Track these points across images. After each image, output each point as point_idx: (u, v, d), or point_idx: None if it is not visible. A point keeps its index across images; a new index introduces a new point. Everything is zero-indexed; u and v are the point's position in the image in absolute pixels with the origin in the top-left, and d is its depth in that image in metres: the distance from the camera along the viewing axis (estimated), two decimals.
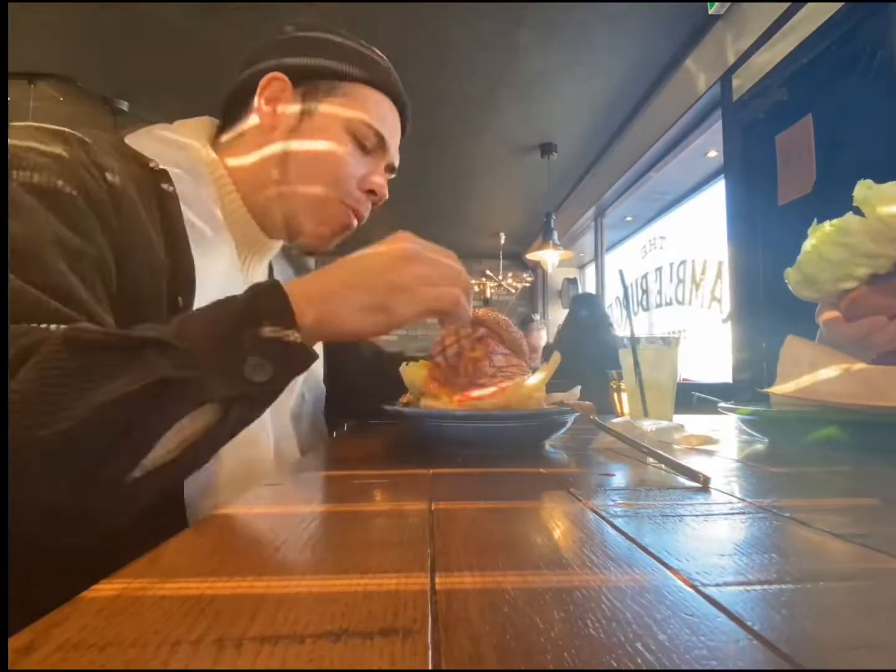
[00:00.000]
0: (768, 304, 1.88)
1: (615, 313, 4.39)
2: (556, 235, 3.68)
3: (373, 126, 0.63)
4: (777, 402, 0.67)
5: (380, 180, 0.65)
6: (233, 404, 0.37)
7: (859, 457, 0.53)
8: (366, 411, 0.90)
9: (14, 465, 0.30)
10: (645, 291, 4.03)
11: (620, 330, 3.18)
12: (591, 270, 5.11)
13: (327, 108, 0.62)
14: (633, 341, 0.75)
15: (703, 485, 0.38)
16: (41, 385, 0.31)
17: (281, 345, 0.38)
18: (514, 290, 5.79)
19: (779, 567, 0.23)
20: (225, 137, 0.64)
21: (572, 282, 5.70)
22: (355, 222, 0.66)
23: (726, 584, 0.21)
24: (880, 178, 0.61)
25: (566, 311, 2.91)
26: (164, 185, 0.53)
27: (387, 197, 0.67)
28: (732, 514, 0.32)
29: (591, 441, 0.67)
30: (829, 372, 0.59)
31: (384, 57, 0.68)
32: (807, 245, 0.66)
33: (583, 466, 0.52)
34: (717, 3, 2.11)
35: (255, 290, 0.40)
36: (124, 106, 2.93)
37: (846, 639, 0.17)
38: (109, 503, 0.34)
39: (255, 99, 0.61)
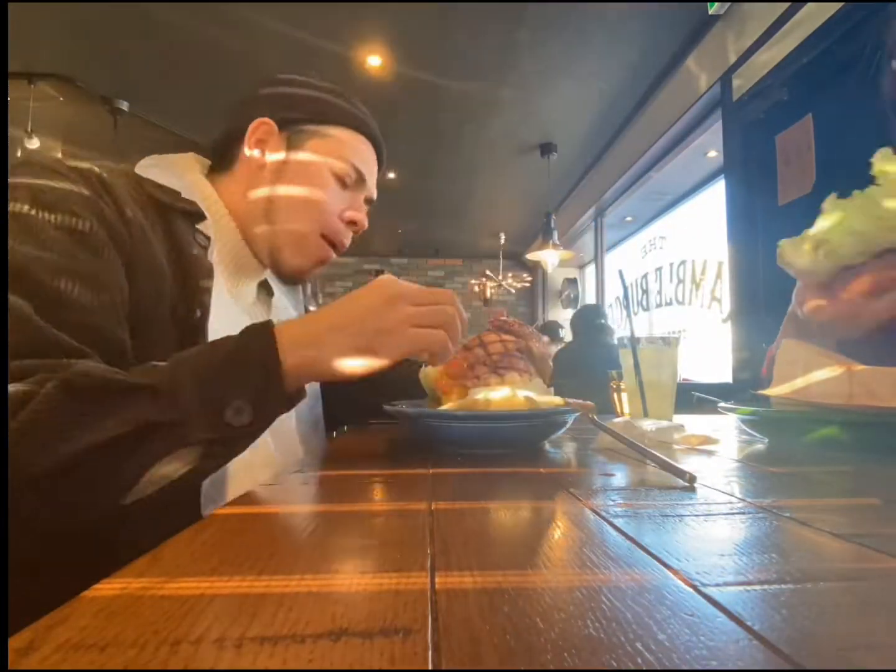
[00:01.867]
0: (768, 304, 1.88)
1: (615, 313, 4.40)
2: (556, 235, 3.68)
3: (353, 164, 0.69)
4: (777, 403, 0.67)
5: (359, 213, 0.71)
6: (213, 446, 0.40)
7: (859, 457, 0.53)
8: (365, 411, 0.90)
9: (12, 497, 0.33)
10: (645, 291, 4.03)
11: (620, 330, 3.18)
12: (591, 270, 5.11)
13: (311, 150, 0.68)
14: (633, 341, 0.75)
15: (690, 483, 0.39)
16: (36, 426, 0.35)
17: (262, 390, 0.41)
18: (513, 290, 5.79)
19: (779, 567, 0.23)
20: (218, 176, 0.69)
21: (572, 282, 5.70)
22: (333, 255, 0.72)
23: (726, 584, 0.21)
24: None
25: (569, 314, 2.92)
26: (177, 219, 0.57)
27: (366, 226, 0.73)
28: (732, 514, 0.32)
29: (591, 441, 0.67)
30: (824, 374, 0.59)
31: (360, 104, 0.74)
32: (831, 217, 0.64)
33: (583, 466, 0.52)
34: (717, 3, 2.11)
35: (245, 334, 0.43)
36: (124, 106, 2.93)
37: (846, 639, 0.17)
38: (101, 523, 0.39)
39: (245, 141, 0.67)
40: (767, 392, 0.67)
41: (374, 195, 0.75)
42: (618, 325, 4.10)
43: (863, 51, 1.52)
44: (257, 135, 0.67)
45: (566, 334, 4.06)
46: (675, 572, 0.22)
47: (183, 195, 0.59)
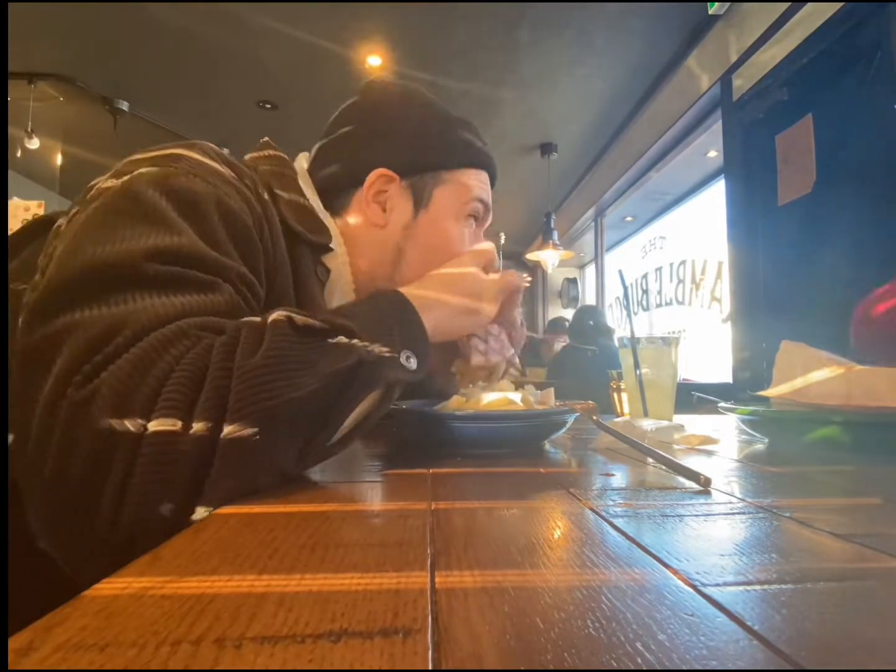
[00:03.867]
0: (768, 304, 1.89)
1: (615, 313, 4.40)
2: (556, 235, 3.68)
3: (483, 200, 0.67)
4: (777, 403, 0.67)
5: (487, 246, 0.67)
6: (394, 388, 0.43)
7: (859, 457, 0.53)
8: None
9: (249, 434, 0.34)
10: (645, 291, 4.03)
11: (620, 330, 3.18)
12: (591, 270, 5.11)
13: (438, 200, 0.64)
14: (633, 341, 0.75)
15: (704, 486, 0.38)
16: (278, 362, 0.36)
17: (421, 341, 0.47)
18: None
19: (779, 567, 0.23)
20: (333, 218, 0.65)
21: (572, 282, 5.70)
22: None
23: (726, 584, 0.21)
24: (880, 178, 0.61)
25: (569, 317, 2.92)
26: (302, 244, 0.57)
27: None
28: (732, 514, 0.32)
29: (591, 441, 0.67)
30: (822, 374, 0.60)
31: (471, 123, 0.71)
32: None
33: (583, 466, 0.52)
34: (717, 4, 2.11)
35: (388, 300, 0.49)
36: (124, 106, 2.93)
37: (846, 639, 0.17)
38: (314, 463, 0.41)
39: (362, 192, 0.62)
40: (766, 393, 0.67)
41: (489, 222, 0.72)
42: (618, 325, 4.10)
43: (863, 51, 1.52)
44: (376, 186, 0.62)
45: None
46: (675, 572, 0.22)
47: (321, 220, 0.59)
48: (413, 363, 0.44)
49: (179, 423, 0.33)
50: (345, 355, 0.39)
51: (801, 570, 0.23)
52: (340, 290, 0.63)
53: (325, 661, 0.15)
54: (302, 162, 0.65)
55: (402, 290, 0.50)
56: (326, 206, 0.63)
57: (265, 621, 0.17)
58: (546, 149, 3.45)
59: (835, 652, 0.16)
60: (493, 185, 0.72)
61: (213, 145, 0.52)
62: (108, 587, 0.20)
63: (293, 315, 0.39)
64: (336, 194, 0.64)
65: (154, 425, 0.32)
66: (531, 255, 3.94)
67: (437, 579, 0.21)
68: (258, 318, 0.40)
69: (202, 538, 0.27)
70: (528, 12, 2.23)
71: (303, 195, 0.59)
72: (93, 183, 0.46)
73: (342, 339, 0.40)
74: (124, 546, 0.32)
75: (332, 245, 0.60)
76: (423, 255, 0.63)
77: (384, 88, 0.70)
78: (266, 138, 0.65)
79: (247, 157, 0.61)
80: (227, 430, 0.33)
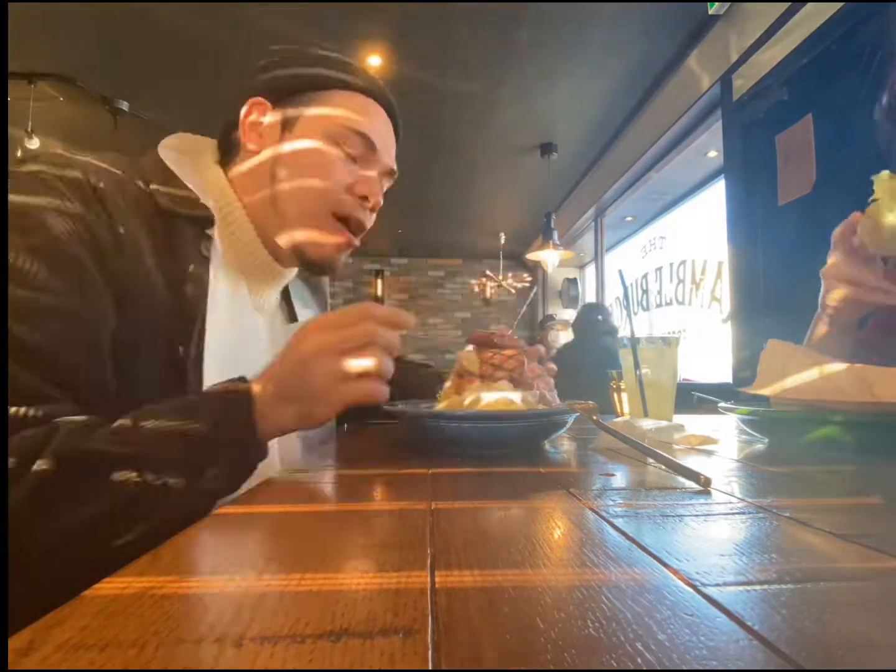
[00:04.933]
0: (768, 304, 1.88)
1: (615, 313, 4.40)
2: (556, 235, 3.68)
3: (354, 128, 0.62)
4: (777, 402, 0.67)
5: (370, 186, 0.63)
6: (195, 506, 0.41)
7: (859, 457, 0.53)
8: (365, 411, 0.89)
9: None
10: (645, 291, 4.03)
11: (621, 330, 3.18)
12: (591, 270, 5.11)
13: (306, 119, 0.61)
14: (633, 341, 0.75)
15: (704, 486, 0.38)
16: (32, 504, 0.37)
17: (238, 461, 0.45)
18: (513, 290, 5.79)
19: (779, 567, 0.23)
20: (227, 169, 0.64)
21: (572, 282, 5.70)
22: (353, 238, 0.65)
23: (726, 584, 0.21)
24: None
25: (571, 316, 2.92)
26: (184, 225, 0.55)
27: (380, 203, 0.65)
28: (732, 514, 0.32)
29: (590, 441, 0.67)
30: (812, 373, 0.60)
31: (366, 69, 0.68)
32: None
33: (583, 466, 0.52)
34: (716, 4, 2.11)
35: (224, 406, 0.45)
36: (124, 106, 2.93)
37: (846, 639, 0.17)
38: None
39: (240, 124, 0.62)
40: (749, 390, 0.68)
41: (394, 165, 0.67)
42: (618, 325, 4.10)
43: (863, 51, 1.52)
44: (251, 117, 0.62)
45: (559, 327, 4.06)
46: (675, 572, 0.22)
47: (197, 193, 0.56)
48: (222, 478, 0.44)
49: None
50: (112, 494, 0.40)
51: (801, 570, 0.23)
52: (244, 254, 0.62)
53: (325, 661, 0.15)
54: (202, 142, 0.65)
55: (255, 390, 0.46)
56: (224, 159, 0.63)
57: (265, 621, 0.17)
58: (546, 149, 3.45)
59: (835, 652, 0.16)
60: (397, 132, 0.69)
61: (34, 161, 0.50)
62: (108, 587, 0.20)
63: (62, 448, 0.39)
64: (227, 143, 0.64)
65: None
66: (531, 255, 3.94)
67: (437, 579, 0.21)
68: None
69: (202, 538, 0.27)
70: (528, 12, 2.23)
71: (168, 181, 0.56)
72: None
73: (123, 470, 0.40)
74: None
75: (212, 216, 0.56)
76: (290, 175, 0.61)
77: None
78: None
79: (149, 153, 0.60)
80: None
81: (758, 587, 0.21)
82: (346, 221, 0.63)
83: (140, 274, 0.51)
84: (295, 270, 0.71)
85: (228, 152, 0.64)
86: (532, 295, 5.78)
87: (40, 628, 0.17)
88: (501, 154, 3.54)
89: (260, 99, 0.62)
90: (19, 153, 3.02)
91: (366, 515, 0.33)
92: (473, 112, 3.05)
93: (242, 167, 0.63)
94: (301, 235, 0.62)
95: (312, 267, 0.66)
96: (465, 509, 0.33)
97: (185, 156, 0.59)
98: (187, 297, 0.54)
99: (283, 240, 0.63)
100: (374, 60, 2.55)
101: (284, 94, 0.62)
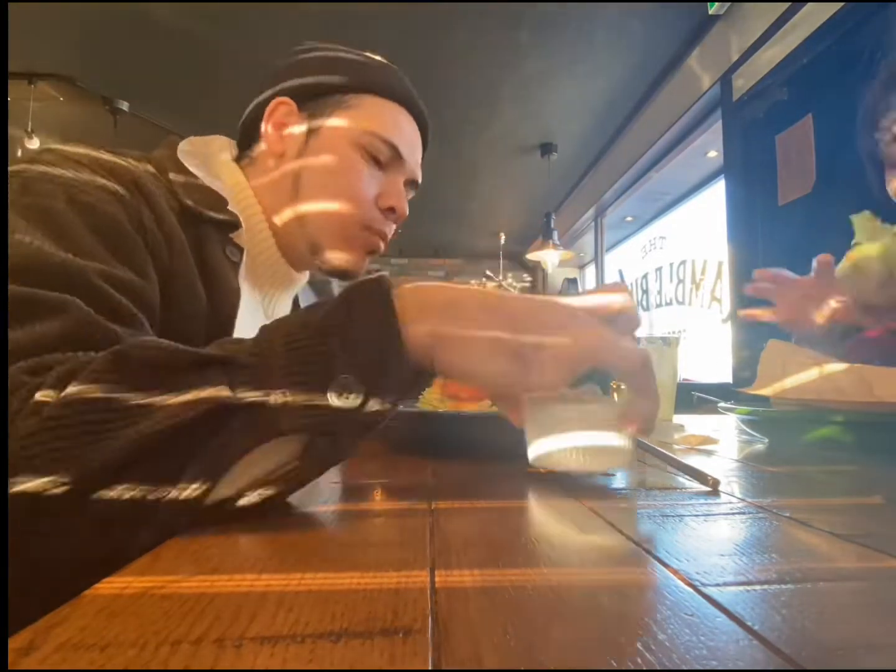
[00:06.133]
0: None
1: None
2: (556, 235, 3.68)
3: (382, 136, 0.59)
4: (777, 402, 0.67)
5: (397, 197, 0.61)
6: (315, 437, 0.29)
7: (859, 457, 0.53)
8: None
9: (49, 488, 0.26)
10: (645, 291, 4.03)
11: None
12: (591, 270, 5.11)
13: (332, 123, 0.59)
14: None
15: (713, 488, 0.38)
16: (81, 413, 0.27)
17: (377, 362, 0.30)
18: (513, 291, 5.79)
19: (779, 567, 0.23)
20: (245, 170, 0.62)
21: (572, 282, 5.70)
22: (381, 245, 0.64)
23: (726, 584, 0.21)
24: (880, 178, 0.61)
25: None
26: (208, 227, 0.53)
27: (406, 215, 0.63)
28: (732, 514, 0.32)
29: None
30: (812, 373, 0.60)
31: (393, 65, 0.65)
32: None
33: None
34: (716, 4, 2.11)
35: (353, 290, 0.32)
36: (124, 106, 2.93)
37: (846, 639, 0.17)
38: (191, 523, 0.28)
39: (263, 125, 0.60)
40: (750, 390, 0.68)
41: (419, 177, 0.65)
42: None
43: (863, 51, 1.51)
44: (275, 117, 0.59)
45: None
46: (675, 572, 0.22)
47: (223, 198, 0.54)
48: (356, 394, 0.29)
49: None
50: (200, 401, 0.28)
51: (801, 570, 0.23)
52: (264, 260, 0.60)
53: (325, 661, 0.15)
54: (215, 143, 0.63)
55: (403, 285, 0.33)
56: (242, 160, 0.61)
57: (265, 621, 0.17)
58: (546, 149, 3.45)
59: (835, 652, 0.16)
60: (425, 140, 0.67)
61: (80, 151, 0.47)
62: (108, 587, 0.20)
63: (131, 347, 0.30)
64: (246, 139, 0.61)
65: None
66: (531, 255, 3.94)
67: (437, 579, 0.21)
68: (91, 354, 0.31)
69: (202, 538, 0.27)
70: (528, 12, 2.23)
71: (196, 174, 0.54)
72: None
73: (213, 373, 0.29)
74: None
75: (238, 220, 0.55)
76: (316, 185, 0.59)
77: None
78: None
79: (154, 152, 0.57)
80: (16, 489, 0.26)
81: (758, 587, 0.21)
82: (371, 230, 0.62)
83: (180, 269, 0.49)
84: (307, 276, 0.69)
85: (246, 152, 0.62)
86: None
87: (40, 628, 0.17)
88: (501, 154, 3.54)
89: (286, 99, 0.59)
90: (19, 153, 3.02)
91: (366, 515, 0.33)
92: (473, 112, 3.05)
93: (264, 172, 0.60)
94: (327, 246, 0.61)
95: (335, 275, 0.64)
96: (465, 509, 0.33)
97: (193, 158, 0.57)
98: (219, 299, 0.52)
99: (303, 241, 0.61)
100: None
101: (310, 96, 0.60)
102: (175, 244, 0.48)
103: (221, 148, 0.62)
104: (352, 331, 0.30)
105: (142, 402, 0.28)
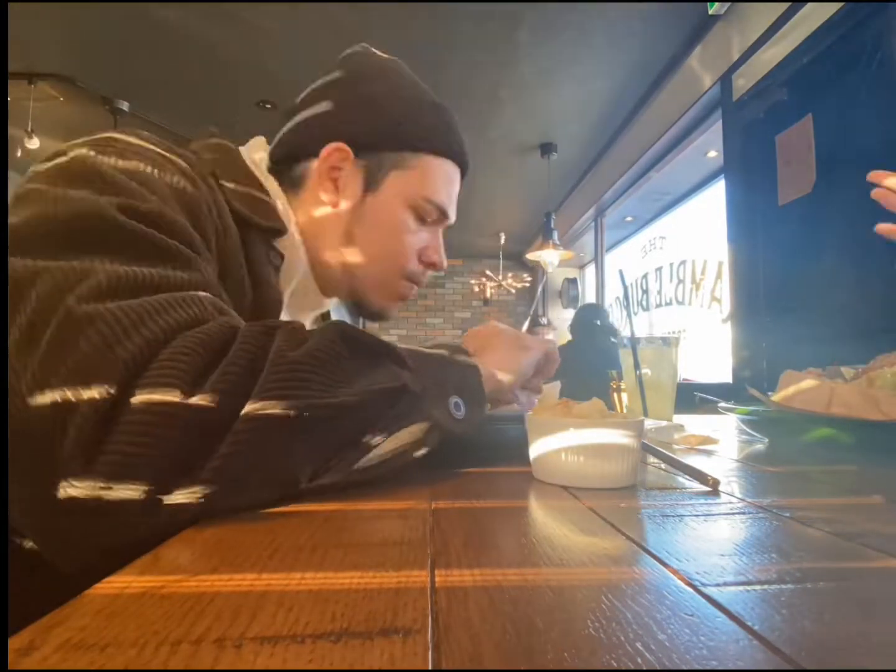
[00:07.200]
0: (768, 304, 1.88)
1: (615, 313, 4.40)
2: (556, 235, 3.68)
3: (436, 202, 0.62)
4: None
5: (438, 255, 0.65)
6: (433, 430, 0.40)
7: (859, 457, 0.53)
8: None
9: (277, 414, 0.32)
10: (645, 291, 4.03)
11: (621, 330, 3.18)
12: (591, 270, 5.11)
13: (391, 184, 0.60)
14: (633, 341, 0.75)
15: (713, 488, 0.38)
16: (320, 363, 0.35)
17: (474, 393, 0.46)
18: (513, 290, 5.79)
19: (779, 567, 0.23)
20: (285, 189, 0.61)
21: (572, 282, 5.70)
22: (415, 290, 0.67)
23: (726, 584, 0.21)
24: None
25: (571, 316, 2.93)
26: (252, 231, 0.53)
27: (444, 268, 0.67)
28: (732, 514, 0.32)
29: None
30: (823, 389, 0.61)
31: (448, 110, 0.65)
32: None
33: None
34: (716, 4, 2.11)
35: (452, 350, 0.48)
36: (124, 106, 2.93)
37: (846, 639, 0.17)
38: (327, 488, 0.36)
39: (315, 164, 0.59)
40: (757, 394, 0.68)
41: (454, 219, 0.67)
42: (618, 325, 4.10)
43: (863, 51, 1.52)
44: (330, 161, 0.58)
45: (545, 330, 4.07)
46: (675, 572, 0.22)
47: (273, 207, 0.55)
48: (461, 412, 0.43)
49: (178, 394, 0.30)
50: (390, 378, 0.38)
51: (801, 570, 0.23)
52: (296, 274, 0.60)
53: (325, 661, 0.15)
54: (254, 149, 0.61)
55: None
56: (281, 183, 0.59)
57: (265, 621, 0.17)
58: (546, 149, 3.45)
59: (835, 652, 0.16)
60: (462, 178, 0.69)
61: (147, 133, 0.48)
62: (108, 587, 0.20)
63: (344, 326, 0.39)
64: (289, 169, 0.60)
65: (144, 394, 0.29)
66: (531, 255, 3.94)
67: (437, 579, 0.21)
68: (296, 322, 0.39)
69: (202, 538, 0.27)
70: (528, 12, 2.23)
71: (250, 183, 0.55)
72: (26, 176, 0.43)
73: (392, 364, 0.40)
74: (90, 524, 0.29)
75: (284, 228, 0.56)
76: (367, 238, 0.60)
77: (363, 60, 0.65)
78: (214, 129, 0.60)
79: (192, 145, 0.57)
80: (249, 407, 0.31)
81: (758, 587, 0.21)
82: (410, 280, 0.65)
83: (233, 263, 0.49)
84: (333, 301, 0.69)
85: (288, 173, 0.60)
86: (540, 291, 5.76)
87: (40, 628, 0.17)
88: (501, 154, 3.54)
89: (342, 146, 0.58)
90: (19, 153, 3.03)
91: (366, 515, 0.33)
92: (473, 112, 3.05)
93: (312, 204, 0.60)
94: (368, 293, 0.64)
95: (369, 316, 0.67)
96: (465, 509, 0.33)
97: (249, 166, 0.57)
98: (263, 300, 0.53)
99: (346, 291, 0.64)
100: None
101: (369, 146, 0.59)
102: (229, 240, 0.49)
103: (263, 159, 0.61)
104: (457, 375, 0.46)
105: (353, 374, 0.37)
